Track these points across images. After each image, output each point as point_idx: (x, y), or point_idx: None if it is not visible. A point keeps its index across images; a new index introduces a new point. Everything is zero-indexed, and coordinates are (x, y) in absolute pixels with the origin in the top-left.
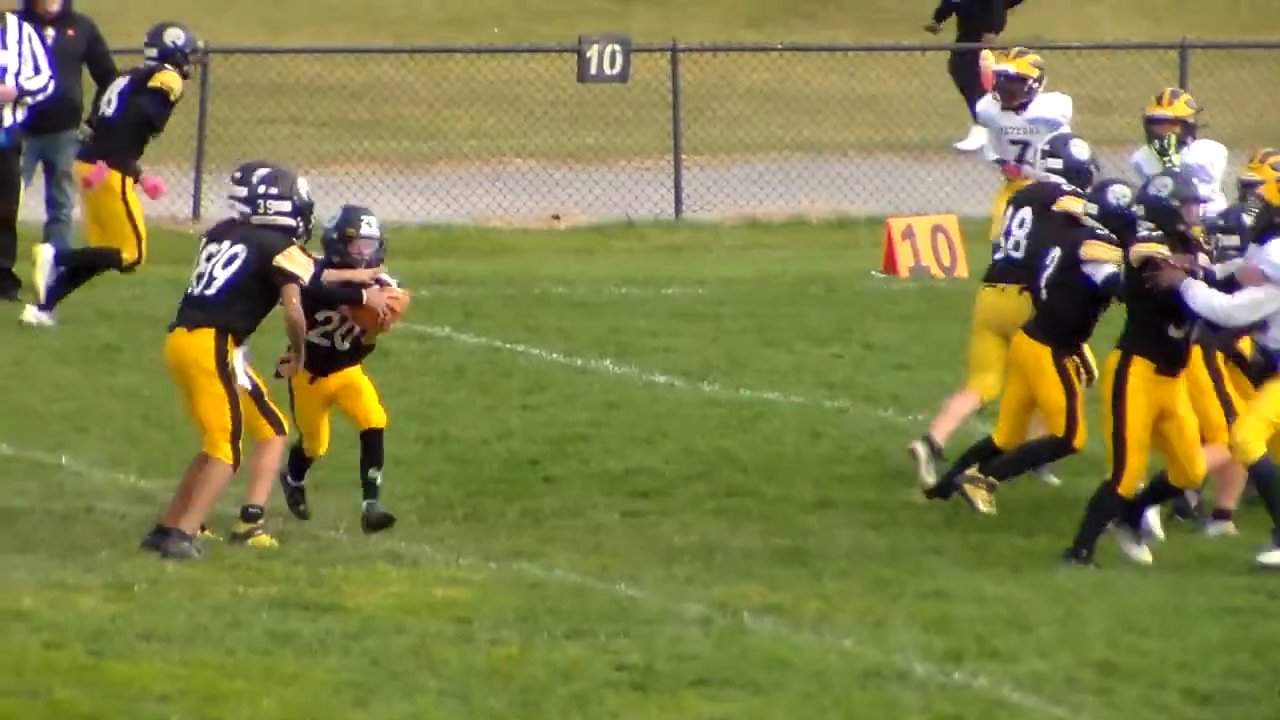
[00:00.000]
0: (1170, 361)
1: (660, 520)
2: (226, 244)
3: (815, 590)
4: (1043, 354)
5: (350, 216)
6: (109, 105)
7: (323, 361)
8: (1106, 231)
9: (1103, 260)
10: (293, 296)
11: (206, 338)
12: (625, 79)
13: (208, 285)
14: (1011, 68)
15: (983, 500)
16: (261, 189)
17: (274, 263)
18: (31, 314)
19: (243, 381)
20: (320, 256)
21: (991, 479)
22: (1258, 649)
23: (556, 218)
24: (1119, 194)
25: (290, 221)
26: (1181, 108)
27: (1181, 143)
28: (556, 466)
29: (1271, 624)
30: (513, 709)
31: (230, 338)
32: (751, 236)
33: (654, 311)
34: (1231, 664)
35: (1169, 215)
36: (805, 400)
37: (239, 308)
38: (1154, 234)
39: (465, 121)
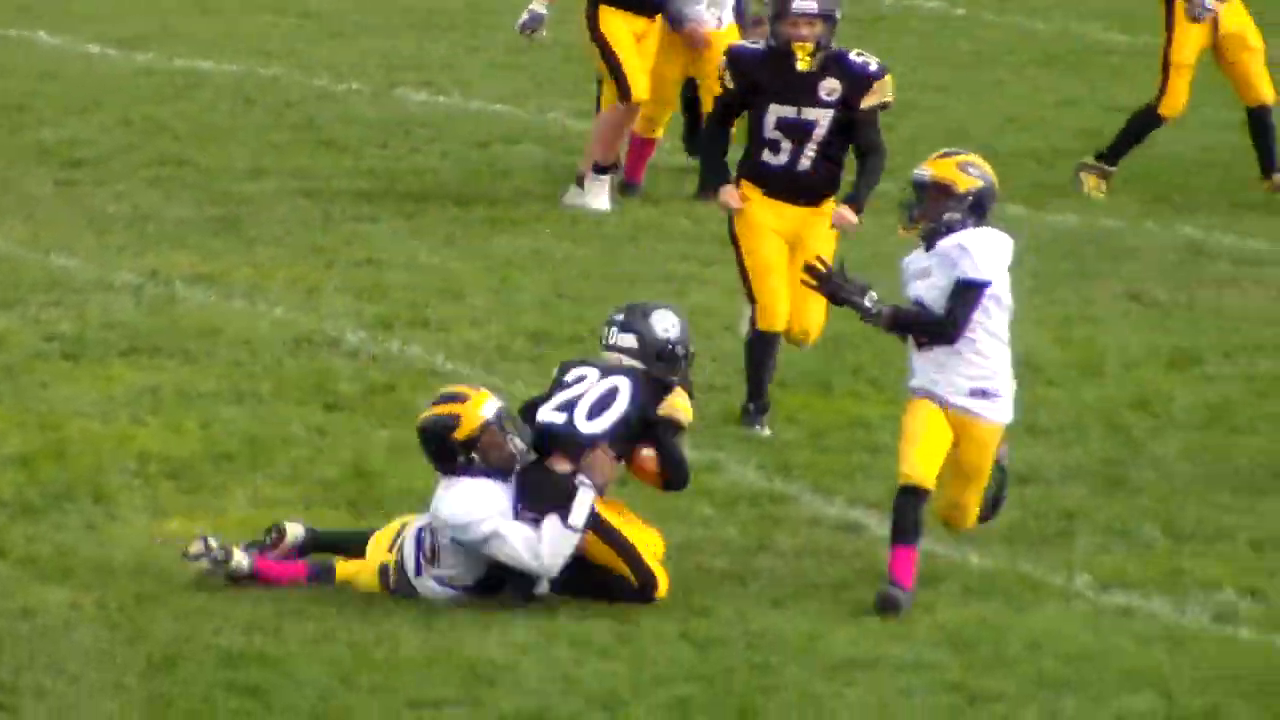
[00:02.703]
0: None
1: (94, 190)
2: None
3: (248, 258)
4: None
5: (684, 334)
6: None
7: None
8: None
9: None
10: None
11: None
12: None
13: None
14: None
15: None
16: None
17: None
18: None
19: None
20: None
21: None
22: (690, 317)
23: None
24: None
25: None
26: None
27: None
28: None
29: (705, 291)
30: None
31: None
32: None
33: None
34: None
35: None
36: (239, 68)
37: None
38: None
39: None
